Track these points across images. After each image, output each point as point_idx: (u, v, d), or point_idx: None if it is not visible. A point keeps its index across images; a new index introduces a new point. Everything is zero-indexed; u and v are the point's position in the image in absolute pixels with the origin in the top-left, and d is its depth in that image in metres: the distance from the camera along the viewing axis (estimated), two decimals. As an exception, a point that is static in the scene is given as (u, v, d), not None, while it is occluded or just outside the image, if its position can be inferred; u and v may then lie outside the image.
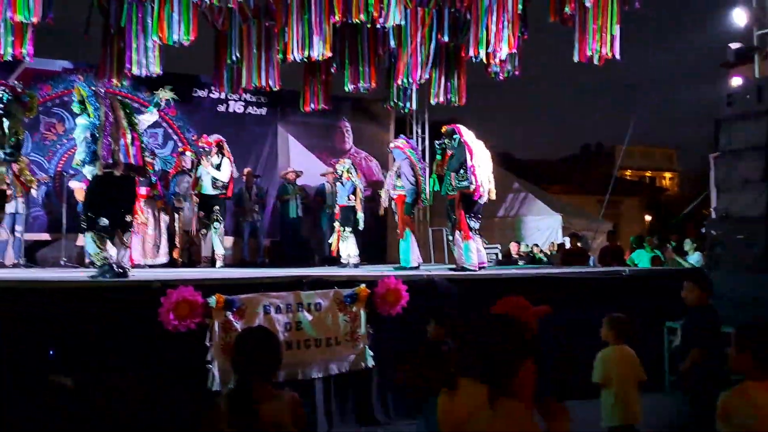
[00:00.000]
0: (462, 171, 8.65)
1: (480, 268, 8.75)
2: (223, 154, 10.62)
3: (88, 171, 6.65)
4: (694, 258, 12.36)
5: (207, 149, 10.52)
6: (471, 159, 8.64)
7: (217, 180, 10.47)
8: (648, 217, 33.91)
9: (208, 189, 10.47)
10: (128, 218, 6.83)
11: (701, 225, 10.60)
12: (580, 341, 7.69)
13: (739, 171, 8.46)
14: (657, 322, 7.98)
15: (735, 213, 8.46)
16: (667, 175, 50.59)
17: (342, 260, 10.88)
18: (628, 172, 43.95)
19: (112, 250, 6.67)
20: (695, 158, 35.45)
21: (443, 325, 5.00)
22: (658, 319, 7.96)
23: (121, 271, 6.58)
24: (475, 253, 8.70)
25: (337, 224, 11.00)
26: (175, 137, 12.73)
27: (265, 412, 3.04)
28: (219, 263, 10.41)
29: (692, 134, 62.01)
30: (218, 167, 10.50)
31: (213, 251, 10.57)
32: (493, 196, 8.99)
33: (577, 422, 4.47)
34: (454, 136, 8.89)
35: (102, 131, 6.56)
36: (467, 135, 8.85)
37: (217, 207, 10.47)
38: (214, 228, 10.44)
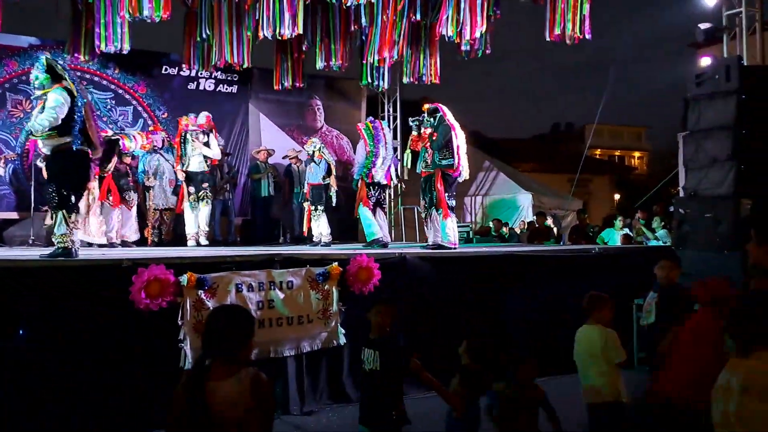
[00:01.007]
0: (445, 150, 8.68)
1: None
2: (210, 131, 10.55)
3: (49, 144, 6.43)
4: (661, 234, 12.53)
5: (197, 131, 10.37)
6: (456, 138, 8.69)
7: (209, 158, 10.42)
8: (617, 196, 34.29)
9: (197, 166, 10.36)
10: (80, 198, 6.75)
11: (669, 203, 10.71)
12: (550, 317, 7.83)
13: (707, 150, 8.54)
14: (626, 299, 8.08)
15: (703, 191, 8.56)
16: (636, 154, 51.18)
17: (314, 239, 10.87)
18: (598, 151, 44.34)
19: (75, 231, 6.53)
20: (664, 137, 35.83)
21: (389, 314, 4.83)
22: (627, 296, 8.07)
23: (75, 250, 6.44)
24: (453, 230, 8.76)
25: (307, 203, 10.97)
26: (144, 115, 12.56)
27: (220, 391, 3.01)
28: (204, 240, 10.36)
29: (661, 113, 62.71)
30: (207, 144, 10.42)
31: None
32: (467, 176, 9.04)
33: (554, 397, 4.54)
34: (437, 114, 8.91)
35: (90, 111, 6.49)
36: (449, 114, 8.89)
37: (206, 184, 10.43)
38: (207, 204, 10.43)
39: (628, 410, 5.04)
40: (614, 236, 13.28)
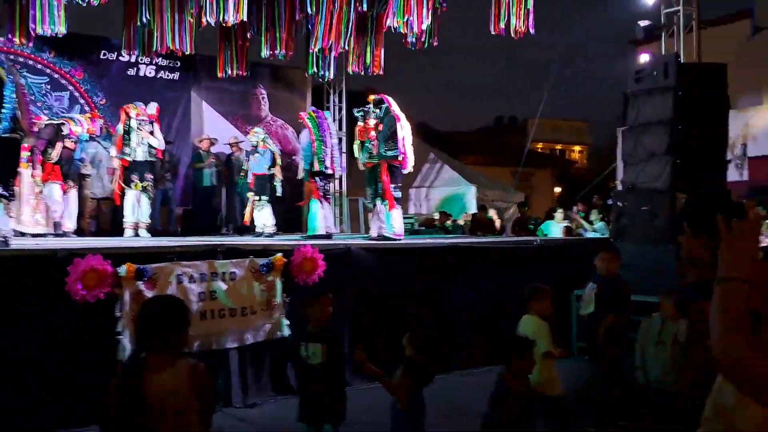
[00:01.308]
0: (391, 141, 8.66)
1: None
2: (153, 121, 10.34)
3: None
4: (599, 226, 12.79)
5: (146, 121, 10.13)
6: (401, 129, 8.69)
7: (153, 148, 10.21)
8: (558, 189, 34.86)
9: (143, 156, 10.13)
10: (12, 185, 6.57)
11: (608, 196, 10.94)
12: (493, 308, 7.91)
13: (645, 144, 8.75)
14: (566, 290, 8.22)
15: (640, 185, 8.76)
16: (577, 148, 52.10)
17: (257, 229, 10.75)
18: (540, 145, 44.98)
19: (2, 220, 6.33)
20: (604, 132, 36.56)
21: (330, 304, 4.75)
22: (567, 287, 8.20)
23: (3, 240, 6.26)
24: (398, 222, 8.77)
25: (251, 193, 10.83)
26: (81, 101, 12.20)
27: (157, 382, 2.96)
28: (144, 233, 10.14)
29: (602, 109, 64.10)
30: (152, 134, 10.22)
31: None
32: (412, 168, 9.06)
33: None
34: (382, 105, 8.88)
35: (21, 96, 6.30)
36: (395, 105, 8.88)
37: (149, 174, 10.23)
38: (148, 196, 10.22)
39: (568, 401, 5.14)
40: (553, 228, 13.50)
